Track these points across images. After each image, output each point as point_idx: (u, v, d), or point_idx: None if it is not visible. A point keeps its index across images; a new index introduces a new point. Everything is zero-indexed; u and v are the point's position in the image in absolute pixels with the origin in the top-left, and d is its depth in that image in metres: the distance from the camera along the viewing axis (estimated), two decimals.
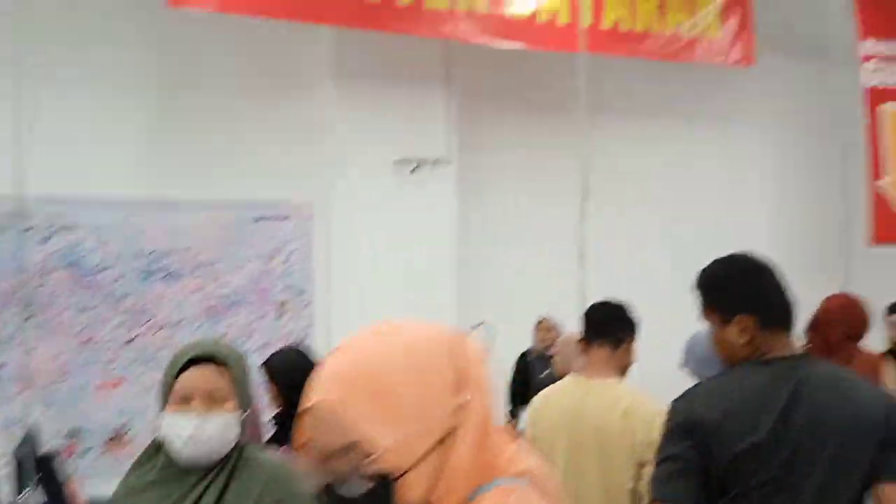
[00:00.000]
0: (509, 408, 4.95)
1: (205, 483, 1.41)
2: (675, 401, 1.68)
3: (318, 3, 4.46)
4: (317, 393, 0.81)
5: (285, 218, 4.99)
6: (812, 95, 6.35)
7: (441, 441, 0.80)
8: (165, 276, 4.75)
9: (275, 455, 1.51)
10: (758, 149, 6.35)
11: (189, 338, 4.73)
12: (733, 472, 1.53)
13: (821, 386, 1.60)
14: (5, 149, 3.71)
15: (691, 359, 2.76)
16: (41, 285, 4.51)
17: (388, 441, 0.78)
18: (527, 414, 2.64)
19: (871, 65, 5.34)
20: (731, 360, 1.70)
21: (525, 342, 5.15)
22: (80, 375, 4.52)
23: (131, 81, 4.72)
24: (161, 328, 4.70)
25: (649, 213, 5.82)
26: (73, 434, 4.47)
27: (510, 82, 5.50)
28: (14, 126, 3.68)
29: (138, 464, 1.54)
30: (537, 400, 2.61)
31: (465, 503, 0.82)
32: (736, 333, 1.66)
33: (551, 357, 4.52)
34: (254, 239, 4.92)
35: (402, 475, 0.79)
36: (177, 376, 1.44)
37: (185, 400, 1.42)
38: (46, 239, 4.54)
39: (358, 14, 4.46)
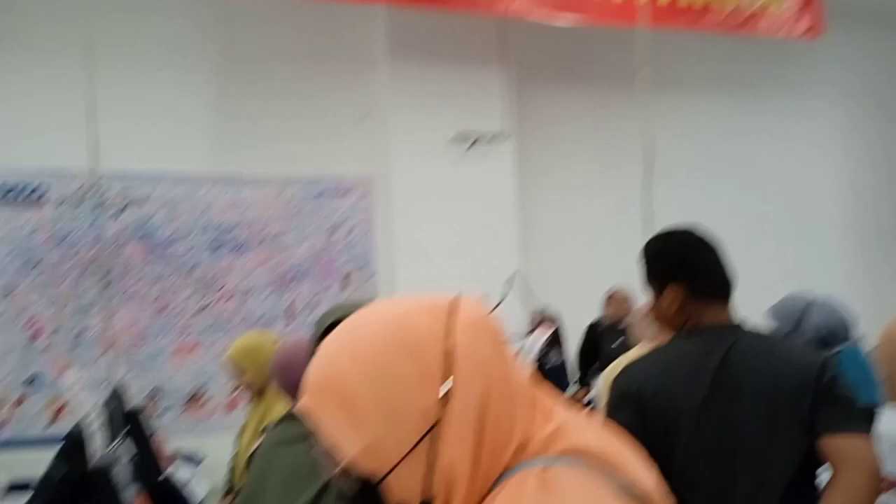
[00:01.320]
0: (578, 377, 5.03)
1: None
2: (617, 375, 1.70)
3: None
4: (301, 399, 0.80)
5: (346, 193, 5.14)
6: (885, 67, 6.16)
7: (424, 437, 0.73)
8: (233, 248, 4.96)
9: None
10: (828, 122, 6.21)
11: (258, 307, 4.95)
12: (670, 439, 1.54)
13: (751, 350, 1.61)
14: (80, 126, 3.92)
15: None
16: (117, 256, 4.78)
17: (357, 447, 0.73)
18: (600, 383, 2.66)
19: None
20: (666, 329, 1.73)
21: (589, 316, 5.18)
22: (157, 340, 4.79)
23: (199, 61, 4.92)
24: (230, 297, 4.92)
25: (714, 186, 5.76)
26: (154, 394, 4.75)
27: (568, 57, 5.51)
28: (88, 104, 3.89)
29: (283, 420, 1.60)
30: (612, 369, 2.62)
31: (484, 495, 0.74)
32: (667, 302, 1.69)
33: (622, 328, 4.55)
34: (316, 213, 5.09)
35: (382, 478, 0.74)
36: (320, 339, 1.46)
37: None
38: (120, 212, 4.79)
39: None
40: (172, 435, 4.24)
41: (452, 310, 0.78)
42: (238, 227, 4.97)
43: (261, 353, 2.76)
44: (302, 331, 4.92)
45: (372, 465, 0.74)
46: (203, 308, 4.89)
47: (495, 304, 0.84)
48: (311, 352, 1.44)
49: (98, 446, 1.83)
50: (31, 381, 4.56)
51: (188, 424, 4.71)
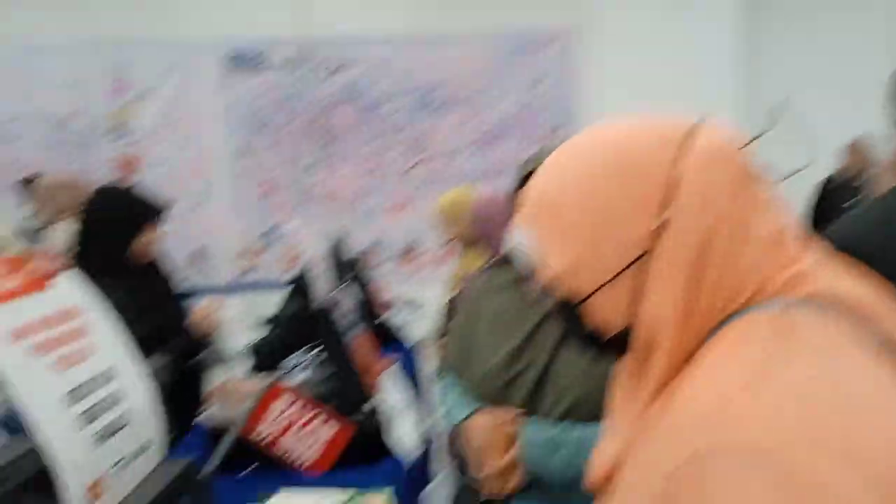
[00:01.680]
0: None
1: None
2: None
3: None
4: (519, 212, 0.79)
5: (548, 46, 4.96)
6: None
7: (629, 266, 0.69)
8: (438, 108, 5.03)
9: None
10: None
11: (464, 166, 5.05)
12: None
13: None
14: None
15: None
16: (332, 119, 5.04)
17: (561, 265, 0.72)
18: None
19: None
20: None
21: (821, 174, 4.73)
22: (372, 198, 5.08)
23: None
24: (437, 157, 5.05)
25: None
26: (372, 247, 5.11)
27: None
28: None
29: (490, 268, 1.61)
30: None
31: (702, 339, 0.68)
32: None
33: (858, 185, 4.15)
34: (519, 68, 4.98)
35: (581, 301, 0.72)
36: (522, 185, 1.41)
37: None
38: (332, 75, 5.00)
39: None
40: (389, 285, 4.57)
41: (690, 135, 0.70)
42: (442, 87, 5.01)
43: (468, 206, 2.82)
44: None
45: (574, 286, 0.72)
46: (411, 167, 5.07)
47: (752, 137, 0.73)
48: (512, 199, 1.44)
49: (321, 289, 1.98)
50: (267, 233, 5.06)
51: (403, 276, 5.04)
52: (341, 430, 1.73)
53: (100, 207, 2.15)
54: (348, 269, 2.94)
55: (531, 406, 1.32)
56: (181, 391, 2.08)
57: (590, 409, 1.24)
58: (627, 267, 0.69)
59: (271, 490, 1.61)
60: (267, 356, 1.80)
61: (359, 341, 2.00)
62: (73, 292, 0.89)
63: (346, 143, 5.04)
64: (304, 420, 1.71)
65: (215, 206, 5.05)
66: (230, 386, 1.94)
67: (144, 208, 2.21)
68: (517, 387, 1.35)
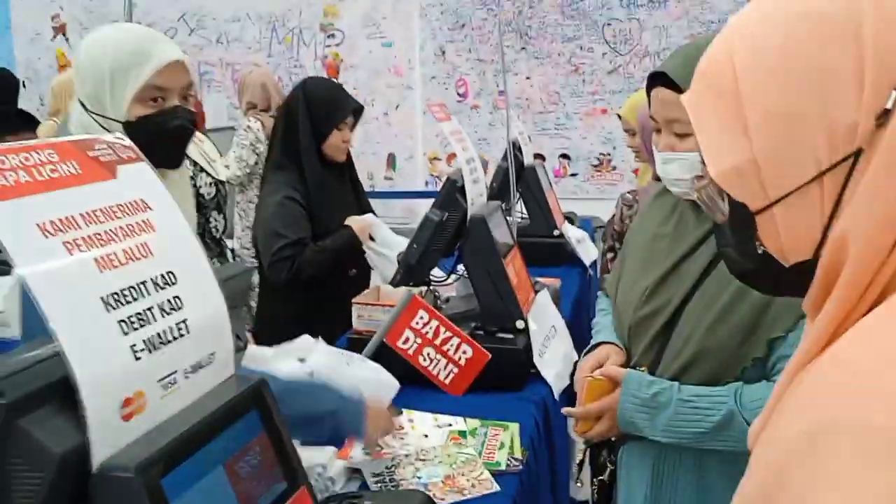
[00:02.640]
0: None
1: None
2: None
3: None
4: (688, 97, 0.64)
5: None
6: None
7: (834, 166, 0.52)
8: (648, 2, 4.55)
9: None
10: None
11: None
12: None
13: None
14: None
15: None
16: (532, 17, 4.75)
17: (737, 159, 0.56)
18: None
19: None
20: None
21: None
22: (569, 104, 4.78)
23: None
24: (643, 57, 4.61)
25: None
26: (563, 157, 4.86)
27: None
28: None
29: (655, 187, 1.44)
30: None
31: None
32: None
33: None
34: None
35: (760, 210, 0.56)
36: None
37: None
38: None
39: None
40: (578, 199, 4.33)
41: None
42: None
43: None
44: None
45: (750, 191, 0.57)
46: (614, 69, 4.68)
47: None
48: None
49: (477, 194, 1.84)
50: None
51: (594, 189, 4.75)
52: (475, 357, 1.61)
53: (305, 96, 2.19)
54: (521, 176, 2.77)
55: (657, 351, 1.23)
56: (332, 295, 2.08)
57: (710, 366, 1.16)
58: (833, 166, 0.52)
59: (399, 406, 1.54)
60: (414, 266, 1.71)
61: (512, 255, 1.84)
62: (143, 185, 0.81)
63: (546, 42, 4.76)
64: (439, 340, 1.62)
65: (408, 111, 5.03)
66: (376, 293, 1.89)
67: (346, 104, 2.23)
68: (646, 329, 1.25)
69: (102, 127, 1.32)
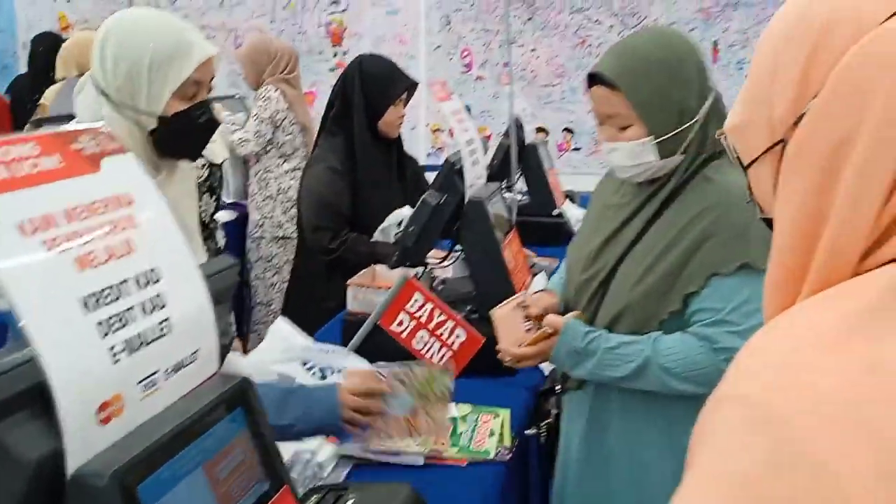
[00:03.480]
0: None
1: (650, 195, 1.33)
2: None
3: None
4: None
5: None
6: None
7: (769, 150, 0.61)
8: None
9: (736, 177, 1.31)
10: None
11: None
12: None
13: None
14: None
15: None
16: None
17: (734, 119, 0.65)
18: None
19: None
20: None
21: None
22: (574, 77, 4.72)
23: None
24: None
25: None
26: (567, 131, 4.81)
27: None
28: None
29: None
30: None
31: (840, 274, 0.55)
32: None
33: None
34: None
35: (745, 166, 0.65)
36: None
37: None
38: None
39: None
40: (579, 174, 4.29)
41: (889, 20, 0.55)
42: None
43: None
44: (729, 70, 4.39)
45: (741, 147, 0.66)
46: None
47: None
48: None
49: (475, 176, 1.82)
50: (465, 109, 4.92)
51: (596, 164, 4.71)
52: (469, 341, 1.61)
53: (360, 74, 2.19)
54: (523, 154, 2.74)
55: (595, 307, 1.37)
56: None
57: (634, 319, 1.31)
58: (769, 148, 0.61)
59: None
60: (410, 248, 1.70)
61: (510, 238, 1.83)
62: (127, 178, 0.79)
63: (553, 14, 4.68)
64: (433, 324, 1.61)
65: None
66: (370, 275, 1.87)
67: (401, 80, 2.24)
68: (586, 289, 1.38)
69: (131, 119, 1.28)
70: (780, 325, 0.54)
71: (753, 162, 0.64)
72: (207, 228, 2.57)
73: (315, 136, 2.58)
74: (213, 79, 1.34)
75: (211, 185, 2.57)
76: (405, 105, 2.31)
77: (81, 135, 0.79)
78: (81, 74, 3.50)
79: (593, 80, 1.31)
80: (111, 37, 1.29)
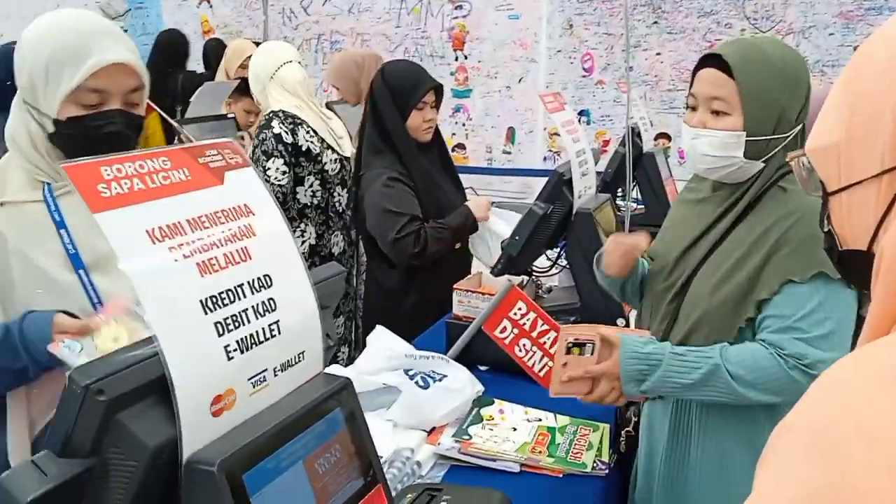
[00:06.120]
0: None
1: (729, 205, 1.30)
2: None
3: None
4: None
5: None
6: None
7: (886, 172, 0.56)
8: None
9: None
10: None
11: (821, 45, 4.27)
12: None
13: None
14: None
15: None
16: None
17: (821, 140, 0.61)
18: None
19: None
20: None
21: None
22: None
23: None
24: (786, 35, 4.33)
25: None
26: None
27: None
28: None
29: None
30: None
31: None
32: None
33: None
34: None
35: (829, 193, 0.61)
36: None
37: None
38: None
39: None
40: None
41: None
42: None
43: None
44: None
45: (829, 171, 0.62)
46: None
47: None
48: None
49: (585, 187, 1.82)
50: (580, 114, 4.88)
51: None
52: None
53: (384, 82, 2.20)
54: (638, 163, 2.69)
55: (669, 320, 1.35)
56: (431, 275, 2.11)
57: (711, 329, 1.28)
58: (888, 171, 0.56)
59: (492, 395, 1.57)
60: (515, 257, 1.72)
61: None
62: (247, 190, 0.86)
63: (680, 17, 4.56)
64: (535, 333, 1.62)
65: (531, 84, 4.98)
66: (478, 280, 1.91)
67: (422, 83, 2.20)
68: (661, 300, 1.37)
69: (34, 119, 1.27)
70: (860, 356, 0.52)
71: (849, 187, 0.59)
72: (342, 218, 2.69)
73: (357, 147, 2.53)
74: (136, 90, 1.29)
75: (343, 177, 2.69)
76: (436, 108, 2.24)
77: (209, 149, 0.86)
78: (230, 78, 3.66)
79: (706, 62, 1.30)
80: (26, 35, 1.27)
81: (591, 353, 1.34)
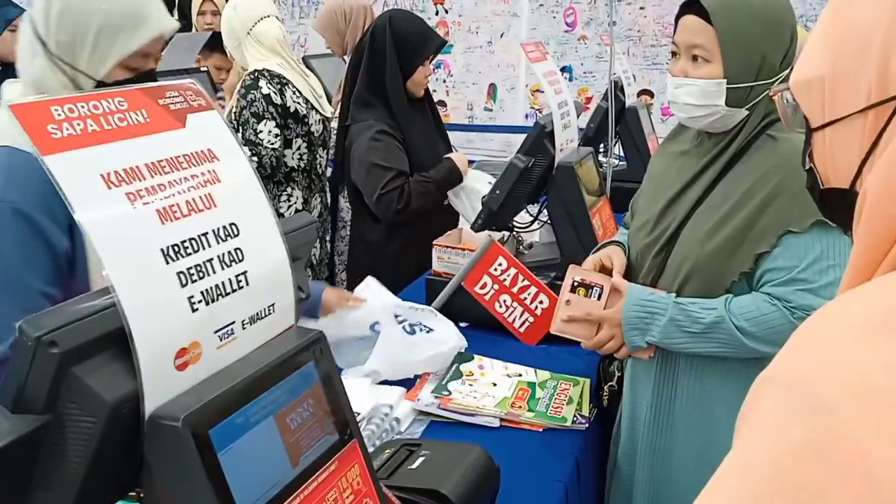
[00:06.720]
0: None
1: (715, 155, 1.28)
2: None
3: None
4: None
5: None
6: None
7: (871, 107, 0.53)
8: None
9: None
10: None
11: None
12: None
13: None
14: None
15: None
16: None
17: (805, 73, 0.59)
18: None
19: None
20: None
21: None
22: None
23: None
24: None
25: None
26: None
27: None
28: None
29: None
30: None
31: None
32: None
33: None
34: None
35: (813, 128, 0.59)
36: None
37: None
38: None
39: None
40: None
41: None
42: None
43: None
44: None
45: (813, 106, 0.60)
46: None
47: None
48: None
49: (566, 140, 1.78)
50: (562, 70, 4.81)
51: None
52: (552, 308, 1.58)
53: (392, 32, 2.14)
54: (621, 116, 2.65)
55: (656, 273, 1.33)
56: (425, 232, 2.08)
57: (702, 281, 1.26)
58: (873, 105, 0.53)
59: (472, 351, 1.55)
60: (496, 211, 1.68)
61: (601, 204, 1.78)
62: (211, 134, 0.82)
63: None
64: (516, 288, 1.60)
65: (512, 40, 4.89)
66: (458, 236, 1.87)
67: (432, 39, 2.17)
68: (647, 254, 1.34)
69: (68, 77, 1.20)
70: (839, 305, 0.50)
71: (833, 122, 0.57)
72: (321, 179, 2.63)
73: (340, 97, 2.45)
74: (163, 49, 1.28)
75: (325, 138, 2.62)
76: (432, 63, 2.21)
77: (169, 90, 0.82)
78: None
79: (687, 9, 1.27)
80: None
81: (598, 298, 1.33)
